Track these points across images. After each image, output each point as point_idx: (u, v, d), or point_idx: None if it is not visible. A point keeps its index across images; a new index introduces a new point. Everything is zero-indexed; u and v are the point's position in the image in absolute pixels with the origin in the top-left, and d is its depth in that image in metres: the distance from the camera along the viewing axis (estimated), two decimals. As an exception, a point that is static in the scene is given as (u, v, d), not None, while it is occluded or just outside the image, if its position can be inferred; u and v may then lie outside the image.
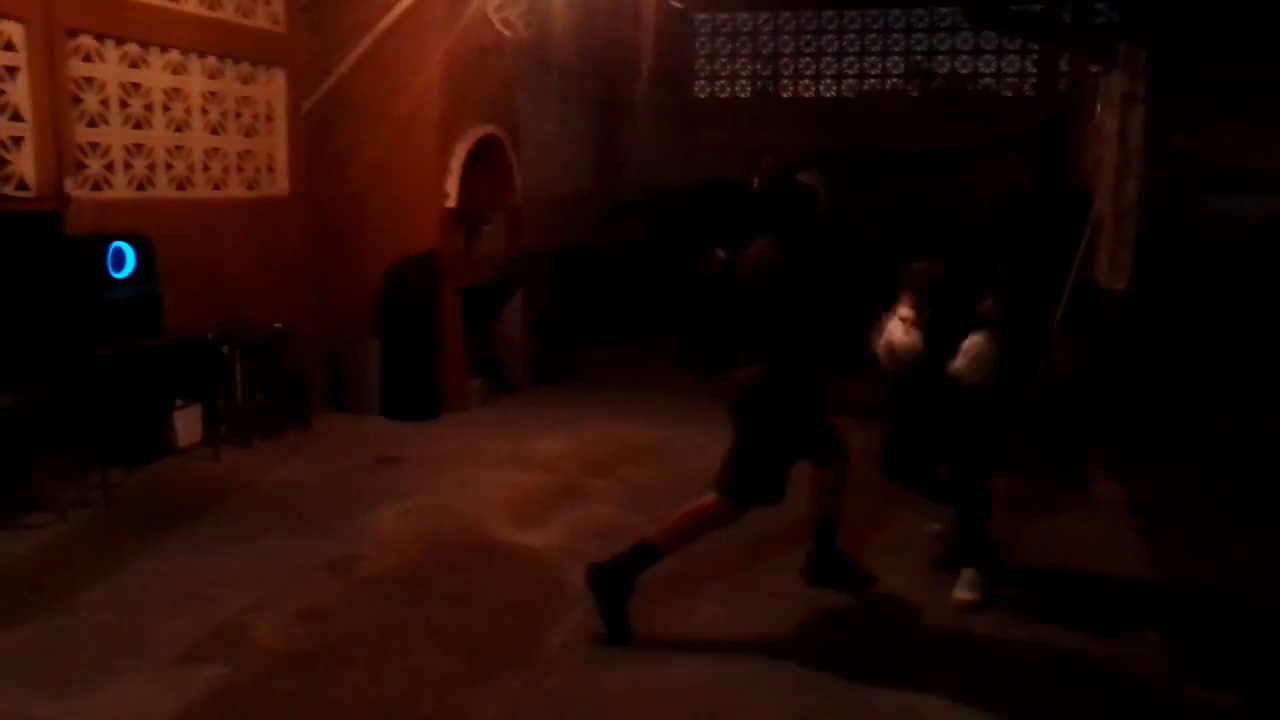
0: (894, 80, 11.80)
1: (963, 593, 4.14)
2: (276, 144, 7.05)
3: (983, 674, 3.55)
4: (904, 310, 4.19)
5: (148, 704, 3.22)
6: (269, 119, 6.99)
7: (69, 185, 5.39)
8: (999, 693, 3.42)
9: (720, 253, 4.67)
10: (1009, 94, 11.37)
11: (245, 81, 6.78)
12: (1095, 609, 4.15)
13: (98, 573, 4.23)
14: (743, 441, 3.84)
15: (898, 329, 4.18)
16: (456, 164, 7.13)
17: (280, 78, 7.00)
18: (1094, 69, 8.01)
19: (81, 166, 5.57)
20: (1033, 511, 5.28)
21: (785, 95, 12.07)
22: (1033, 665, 3.62)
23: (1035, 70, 11.33)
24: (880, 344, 4.24)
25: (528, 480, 5.66)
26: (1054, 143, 9.60)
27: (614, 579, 3.75)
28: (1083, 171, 7.81)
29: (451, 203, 7.13)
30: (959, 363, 4.10)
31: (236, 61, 6.66)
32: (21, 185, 5.22)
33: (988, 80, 11.50)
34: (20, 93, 5.18)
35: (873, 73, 11.88)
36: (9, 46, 5.12)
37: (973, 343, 4.10)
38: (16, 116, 5.18)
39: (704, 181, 10.50)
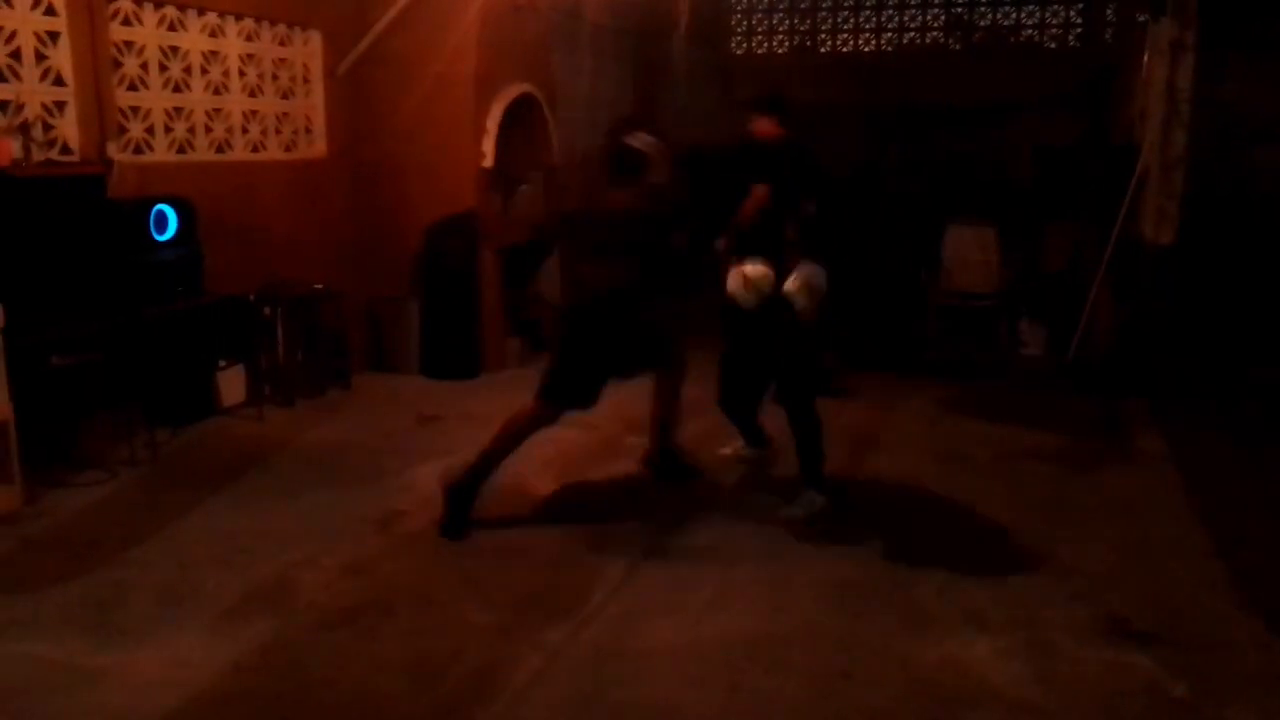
0: (934, 33, 11.56)
1: (791, 510, 4.59)
2: (314, 105, 7.08)
3: (1024, 630, 3.55)
4: (749, 268, 4.59)
5: (200, 655, 3.30)
6: (306, 81, 7.01)
7: (111, 149, 5.44)
8: (1041, 647, 3.42)
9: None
10: (1052, 45, 11.10)
11: (281, 43, 6.79)
12: (1138, 566, 4.12)
13: (148, 529, 4.32)
14: (561, 350, 4.52)
15: (738, 280, 4.64)
16: (493, 123, 7.11)
17: (316, 39, 7.00)
18: (1141, 18, 7.81)
19: (123, 130, 5.62)
20: (1073, 466, 5.24)
21: (823, 50, 11.86)
22: (1075, 620, 3.61)
23: (1080, 21, 11.06)
24: (732, 288, 4.69)
25: (567, 437, 5.68)
26: (1100, 96, 9.39)
27: (467, 486, 4.34)
28: (1128, 124, 7.64)
29: (488, 162, 7.12)
30: (793, 285, 4.48)
31: (273, 23, 6.67)
32: (65, 149, 5.27)
33: (1030, 32, 11.24)
34: (62, 57, 5.22)
35: (912, 25, 11.65)
36: (50, 11, 5.15)
37: (812, 271, 4.50)
38: (59, 81, 5.22)
39: (745, 137, 10.35)
